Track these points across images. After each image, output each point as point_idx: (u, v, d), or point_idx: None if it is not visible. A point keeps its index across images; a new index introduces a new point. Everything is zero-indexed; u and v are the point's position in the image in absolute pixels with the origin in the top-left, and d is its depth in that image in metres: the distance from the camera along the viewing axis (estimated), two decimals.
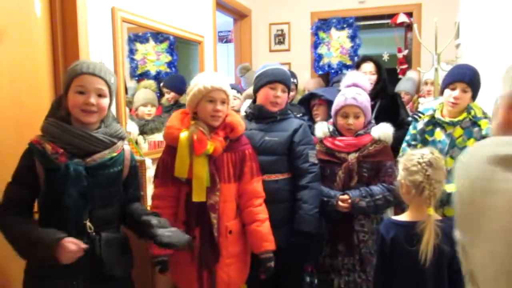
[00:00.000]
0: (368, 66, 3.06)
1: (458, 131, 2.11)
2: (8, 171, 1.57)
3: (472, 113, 2.14)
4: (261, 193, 1.87)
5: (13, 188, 1.44)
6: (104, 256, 1.44)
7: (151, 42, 2.71)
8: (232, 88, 3.59)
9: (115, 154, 1.49)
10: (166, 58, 2.82)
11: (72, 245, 1.34)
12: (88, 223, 1.43)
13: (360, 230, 2.09)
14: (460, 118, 2.10)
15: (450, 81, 2.10)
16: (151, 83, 2.72)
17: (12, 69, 1.75)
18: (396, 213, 2.33)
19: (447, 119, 2.11)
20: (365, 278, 2.10)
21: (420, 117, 2.17)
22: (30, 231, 1.37)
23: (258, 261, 1.82)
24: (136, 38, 2.60)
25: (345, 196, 2.03)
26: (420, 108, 2.29)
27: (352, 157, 2.08)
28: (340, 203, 2.03)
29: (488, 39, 2.41)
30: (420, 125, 2.20)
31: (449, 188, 2.08)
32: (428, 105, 2.27)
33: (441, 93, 2.21)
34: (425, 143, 2.17)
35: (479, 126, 2.10)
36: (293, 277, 2.15)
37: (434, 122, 2.15)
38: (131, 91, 2.74)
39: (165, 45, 2.80)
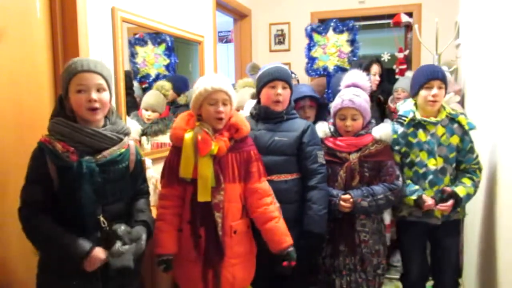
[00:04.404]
0: (378, 68, 3.14)
1: (440, 130, 2.12)
2: (8, 170, 1.57)
3: (447, 110, 2.16)
4: (270, 190, 1.88)
5: (31, 189, 1.44)
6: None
7: (150, 45, 2.69)
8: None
9: (123, 150, 1.54)
10: (164, 61, 2.79)
11: (101, 254, 1.42)
12: (102, 218, 1.48)
13: (361, 230, 2.09)
14: (443, 116, 2.12)
15: (426, 80, 2.10)
16: (164, 84, 2.68)
17: (12, 69, 1.74)
18: (394, 215, 2.34)
19: (433, 119, 2.11)
20: (365, 278, 2.09)
21: (405, 120, 2.16)
22: (58, 237, 1.41)
23: (279, 258, 1.80)
24: (136, 41, 2.59)
25: (347, 196, 2.03)
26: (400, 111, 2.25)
27: (353, 157, 2.08)
28: (342, 202, 2.03)
29: (488, 39, 2.41)
30: (400, 128, 2.17)
31: (460, 191, 2.08)
32: (403, 107, 2.24)
33: (414, 96, 2.20)
34: (409, 146, 2.15)
35: (457, 122, 2.13)
36: (298, 278, 2.14)
37: (413, 124, 2.15)
38: (138, 91, 2.72)
39: (162, 47, 2.77)
